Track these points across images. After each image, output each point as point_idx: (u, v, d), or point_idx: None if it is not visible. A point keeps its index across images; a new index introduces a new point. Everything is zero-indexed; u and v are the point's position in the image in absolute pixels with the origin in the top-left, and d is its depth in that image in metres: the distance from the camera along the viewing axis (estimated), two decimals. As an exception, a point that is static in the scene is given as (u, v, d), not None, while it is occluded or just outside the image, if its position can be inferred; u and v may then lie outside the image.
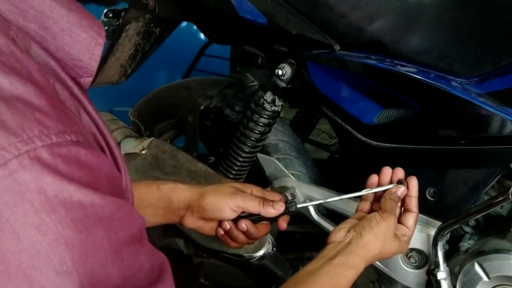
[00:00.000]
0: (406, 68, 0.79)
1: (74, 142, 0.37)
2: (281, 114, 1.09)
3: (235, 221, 0.80)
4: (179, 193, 0.79)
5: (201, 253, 1.16)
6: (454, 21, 0.79)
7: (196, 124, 1.18)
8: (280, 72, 0.93)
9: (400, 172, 0.79)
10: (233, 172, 1.08)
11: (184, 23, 1.26)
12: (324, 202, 0.88)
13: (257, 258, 1.03)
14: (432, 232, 0.85)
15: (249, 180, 1.06)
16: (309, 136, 1.58)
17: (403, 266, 0.90)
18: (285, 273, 1.05)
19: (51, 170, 0.35)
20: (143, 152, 1.13)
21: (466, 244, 0.87)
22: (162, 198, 0.78)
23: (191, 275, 1.18)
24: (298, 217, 1.04)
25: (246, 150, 1.04)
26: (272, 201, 0.79)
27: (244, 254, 1.03)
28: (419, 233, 0.86)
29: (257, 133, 1.02)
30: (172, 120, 1.28)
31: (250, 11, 0.85)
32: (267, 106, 0.99)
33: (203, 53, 1.73)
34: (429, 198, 0.88)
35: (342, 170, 1.29)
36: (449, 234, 0.85)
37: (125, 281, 0.39)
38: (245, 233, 0.80)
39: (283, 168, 1.09)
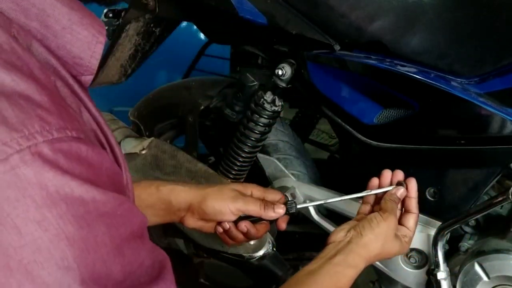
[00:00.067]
0: (406, 68, 0.79)
1: (75, 138, 0.37)
2: (281, 114, 1.09)
3: (235, 221, 0.81)
4: (179, 194, 0.79)
5: (201, 253, 1.16)
6: (454, 21, 0.79)
7: (196, 124, 1.18)
8: (280, 72, 0.93)
9: (399, 174, 0.79)
10: (233, 172, 1.08)
11: (184, 23, 1.26)
12: (324, 203, 0.88)
13: (257, 258, 1.03)
14: (432, 232, 0.85)
15: (249, 180, 1.06)
16: (309, 136, 1.58)
17: (403, 266, 0.90)
18: (285, 273, 1.05)
19: (52, 165, 0.35)
20: (143, 152, 1.13)
21: (466, 244, 0.87)
22: (162, 200, 0.79)
23: (191, 275, 1.18)
24: (298, 217, 1.04)
25: (246, 150, 1.04)
26: (273, 203, 0.79)
27: (244, 254, 1.03)
28: (419, 233, 0.86)
29: (257, 133, 1.02)
30: (172, 120, 1.28)
31: (250, 11, 0.85)
32: (267, 106, 0.99)
33: (203, 53, 1.73)
34: (429, 198, 0.88)
35: (342, 170, 1.29)
36: (449, 234, 0.85)
37: (126, 277, 0.39)
38: (245, 233, 0.81)
39: (283, 168, 1.09)
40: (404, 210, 0.78)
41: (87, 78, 0.46)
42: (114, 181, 0.41)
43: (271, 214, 0.78)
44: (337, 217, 0.98)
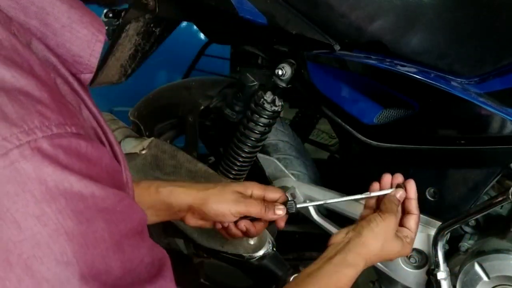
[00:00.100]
0: (406, 68, 0.79)
1: (74, 134, 0.37)
2: (281, 114, 1.09)
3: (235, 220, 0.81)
4: (179, 196, 0.79)
5: (201, 253, 1.16)
6: (454, 21, 0.79)
7: (196, 124, 1.18)
8: (280, 72, 0.93)
9: (399, 178, 0.80)
10: (233, 172, 1.08)
11: (184, 23, 1.26)
12: (324, 204, 0.88)
13: (257, 258, 1.03)
14: (432, 232, 0.85)
15: (249, 180, 1.06)
16: (309, 136, 1.58)
17: (403, 266, 0.90)
18: (285, 273, 1.05)
19: (52, 160, 0.35)
20: (143, 152, 1.13)
21: (466, 244, 0.87)
22: (162, 201, 0.79)
23: (191, 275, 1.18)
24: (298, 217, 1.04)
25: (246, 150, 1.04)
26: (274, 204, 0.80)
27: (244, 254, 1.03)
28: (419, 233, 0.86)
29: (257, 133, 1.02)
30: (172, 120, 1.28)
31: (250, 11, 0.85)
32: (267, 106, 0.99)
33: (203, 53, 1.73)
34: (429, 198, 0.88)
35: (342, 170, 1.29)
36: (449, 234, 0.85)
37: (126, 274, 0.39)
38: (244, 231, 0.82)
39: (283, 168, 1.09)
40: (405, 212, 0.79)
41: (87, 77, 0.46)
42: (114, 178, 0.41)
43: (271, 216, 0.80)
44: (337, 217, 0.98)
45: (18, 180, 0.34)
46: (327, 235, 0.98)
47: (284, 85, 0.95)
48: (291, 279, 0.97)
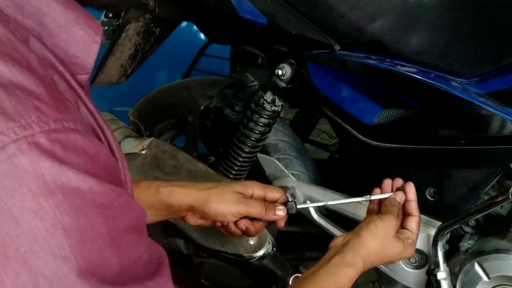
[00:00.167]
0: (406, 68, 0.79)
1: (72, 129, 0.37)
2: (281, 114, 1.09)
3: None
4: (179, 196, 0.79)
5: (201, 253, 1.16)
6: (454, 21, 0.79)
7: (196, 124, 1.18)
8: (280, 72, 0.93)
9: (399, 181, 0.80)
10: (233, 172, 1.08)
11: (184, 23, 1.26)
12: (324, 205, 0.88)
13: (257, 258, 1.03)
14: (432, 232, 0.85)
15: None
16: (309, 136, 1.58)
17: (403, 266, 0.90)
18: (285, 273, 1.05)
19: (49, 155, 0.35)
20: (143, 152, 1.13)
21: (466, 244, 0.87)
22: (162, 201, 0.79)
23: (191, 275, 1.18)
24: (298, 217, 1.04)
25: (246, 150, 1.04)
26: (274, 205, 0.80)
27: (244, 254, 1.03)
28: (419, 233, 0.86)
29: (257, 133, 1.02)
30: (172, 120, 1.28)
31: (250, 11, 0.85)
32: (267, 106, 0.99)
33: (203, 53, 1.73)
34: (429, 198, 0.88)
35: (342, 170, 1.29)
36: (449, 234, 0.85)
37: (123, 270, 0.39)
38: (243, 230, 0.83)
39: (283, 168, 1.09)
40: (405, 214, 0.79)
41: (83, 77, 0.46)
42: (111, 174, 0.41)
43: (272, 217, 0.80)
44: (337, 218, 0.98)
45: (15, 174, 0.34)
46: (327, 235, 0.98)
47: (284, 85, 0.95)
48: (291, 279, 0.97)
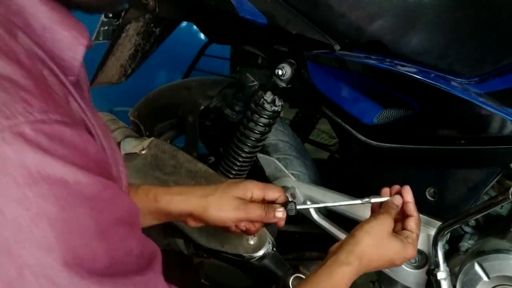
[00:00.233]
0: (406, 68, 0.79)
1: (58, 121, 0.37)
2: (281, 114, 1.09)
3: None
4: (178, 205, 0.79)
5: (201, 253, 1.16)
6: (454, 21, 0.79)
7: (196, 124, 1.18)
8: (280, 72, 0.93)
9: (396, 187, 0.80)
10: (233, 172, 1.08)
11: (184, 23, 1.26)
12: (324, 206, 0.89)
13: (257, 258, 1.03)
14: (432, 232, 0.85)
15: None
16: (309, 136, 1.58)
17: (403, 266, 0.90)
18: (285, 273, 1.05)
19: (34, 145, 0.35)
20: (143, 152, 1.13)
21: (466, 244, 0.87)
22: (161, 209, 0.79)
23: (191, 275, 1.18)
24: (298, 217, 1.04)
25: (246, 150, 1.04)
26: (274, 206, 0.80)
27: (244, 254, 1.03)
28: (419, 233, 0.86)
29: (257, 133, 1.02)
30: (172, 120, 1.28)
31: (250, 11, 0.85)
32: (267, 106, 0.99)
33: (203, 53, 1.73)
34: (429, 198, 0.88)
35: (342, 170, 1.29)
36: (449, 234, 0.85)
37: (112, 263, 0.39)
38: (243, 230, 0.83)
39: (283, 168, 1.09)
40: (404, 216, 0.79)
41: (70, 79, 0.45)
42: (101, 168, 0.41)
43: (272, 220, 0.80)
44: (337, 218, 0.98)
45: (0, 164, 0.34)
46: (327, 235, 0.98)
47: (284, 85, 0.95)
48: (291, 279, 0.97)
